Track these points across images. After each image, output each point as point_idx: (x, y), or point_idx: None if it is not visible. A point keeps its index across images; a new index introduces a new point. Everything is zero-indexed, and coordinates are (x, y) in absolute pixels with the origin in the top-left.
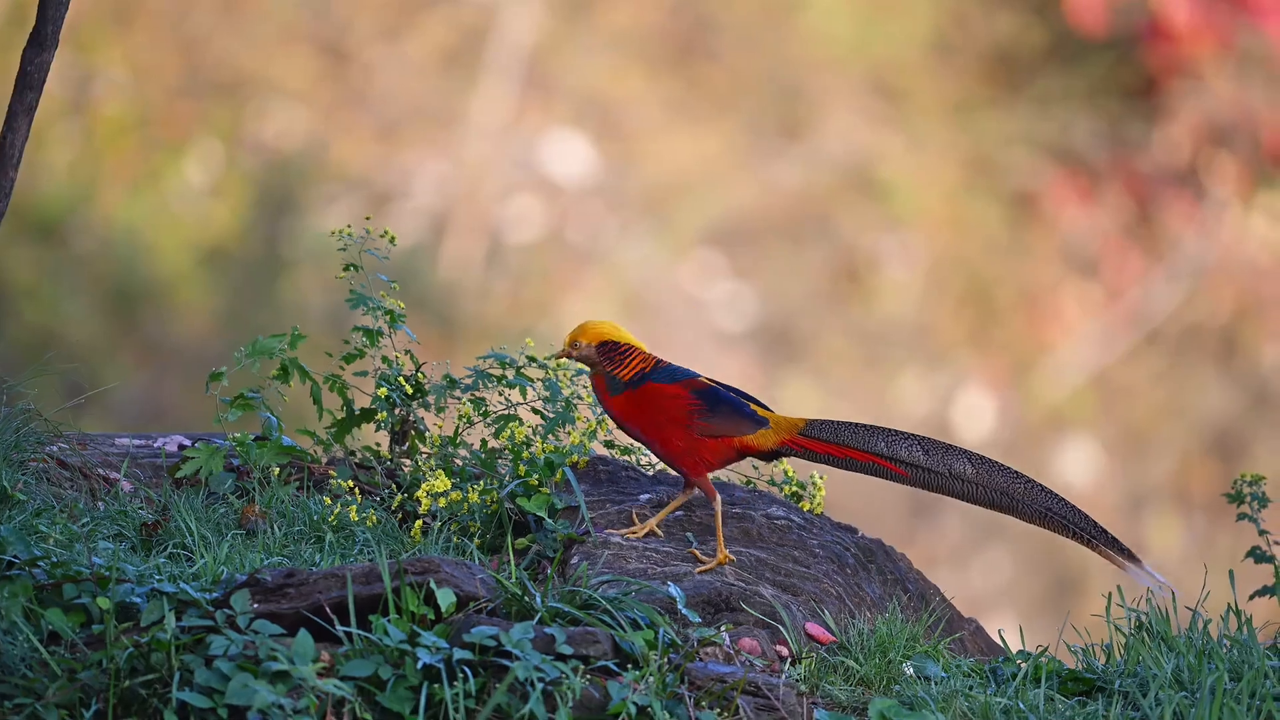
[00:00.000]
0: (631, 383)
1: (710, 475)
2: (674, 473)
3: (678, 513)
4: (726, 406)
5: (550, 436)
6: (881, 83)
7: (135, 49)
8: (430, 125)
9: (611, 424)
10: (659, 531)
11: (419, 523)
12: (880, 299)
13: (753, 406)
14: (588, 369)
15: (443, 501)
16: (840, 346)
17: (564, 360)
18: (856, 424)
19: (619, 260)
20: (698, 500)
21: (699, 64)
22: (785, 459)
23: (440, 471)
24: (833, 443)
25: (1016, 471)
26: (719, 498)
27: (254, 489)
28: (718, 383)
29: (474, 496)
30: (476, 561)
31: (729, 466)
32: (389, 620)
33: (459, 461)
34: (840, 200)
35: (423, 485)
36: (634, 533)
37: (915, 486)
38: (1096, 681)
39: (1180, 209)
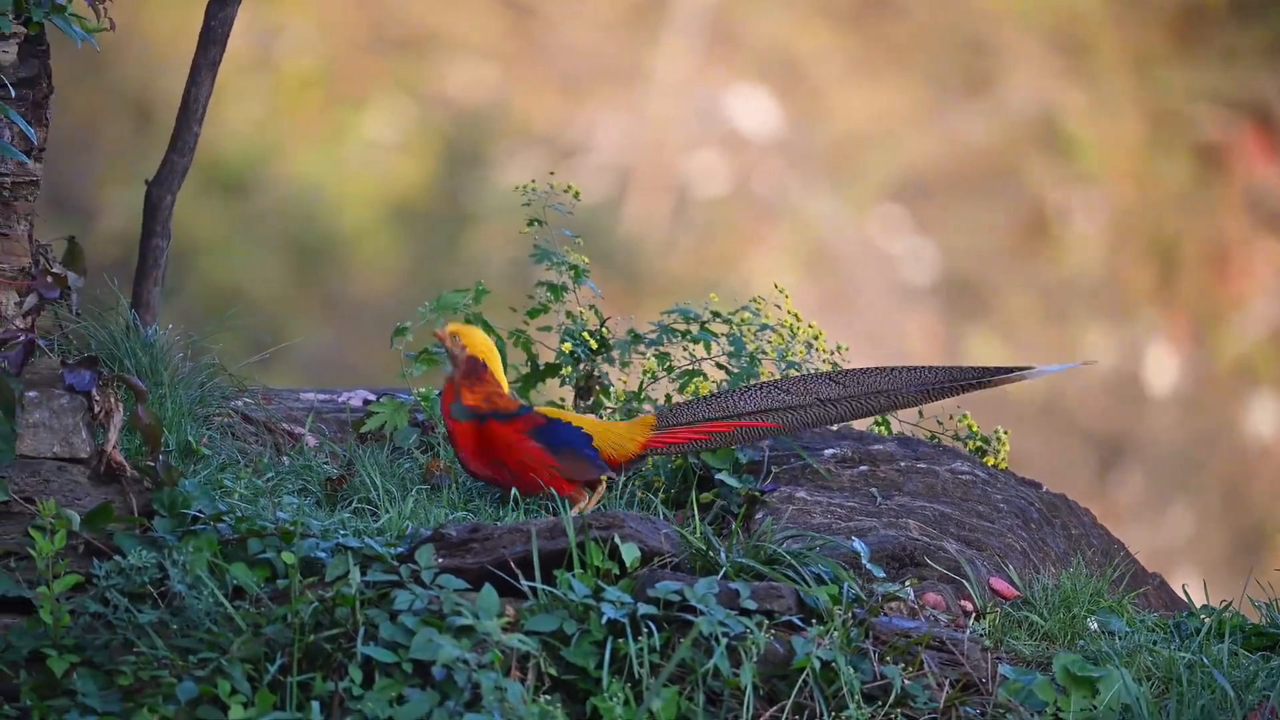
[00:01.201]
0: (474, 413)
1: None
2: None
3: (862, 467)
4: (568, 451)
5: None
6: (1065, 36)
7: (319, 3)
8: (613, 80)
9: None
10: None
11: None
12: (1065, 253)
13: (592, 441)
14: (451, 368)
15: None
16: (1025, 301)
17: (747, 315)
18: (705, 396)
19: (803, 215)
20: (881, 455)
21: (882, 18)
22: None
23: None
24: (691, 423)
25: (878, 367)
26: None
27: (438, 444)
28: (553, 417)
29: None
30: (661, 517)
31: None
32: (573, 575)
33: None
34: (1023, 154)
35: None
36: (584, 506)
37: (790, 434)
38: None
39: None
